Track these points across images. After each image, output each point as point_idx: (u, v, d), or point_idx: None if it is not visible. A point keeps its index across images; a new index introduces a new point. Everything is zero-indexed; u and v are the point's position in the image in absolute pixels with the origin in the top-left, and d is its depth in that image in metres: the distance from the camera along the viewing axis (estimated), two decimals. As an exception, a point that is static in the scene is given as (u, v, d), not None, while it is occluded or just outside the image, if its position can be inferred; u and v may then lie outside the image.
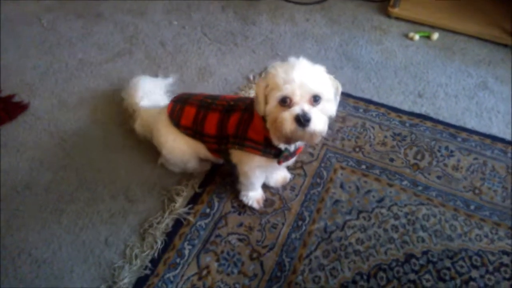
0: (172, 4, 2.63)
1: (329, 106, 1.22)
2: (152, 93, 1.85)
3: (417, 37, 2.40)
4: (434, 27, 2.47)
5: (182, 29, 2.46)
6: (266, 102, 1.21)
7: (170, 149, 1.56)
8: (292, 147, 1.36)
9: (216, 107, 1.44)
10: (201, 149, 1.54)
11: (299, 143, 1.36)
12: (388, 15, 2.54)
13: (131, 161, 1.79)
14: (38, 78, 2.15)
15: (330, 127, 1.88)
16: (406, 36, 2.43)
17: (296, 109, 1.15)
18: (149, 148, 1.76)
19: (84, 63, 2.23)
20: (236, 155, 1.46)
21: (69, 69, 2.20)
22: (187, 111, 1.48)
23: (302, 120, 1.14)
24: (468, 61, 2.29)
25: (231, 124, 1.40)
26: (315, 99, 1.18)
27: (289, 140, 1.25)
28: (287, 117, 1.16)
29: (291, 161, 1.51)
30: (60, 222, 1.61)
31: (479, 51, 2.35)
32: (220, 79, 2.15)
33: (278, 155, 1.36)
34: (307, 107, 1.15)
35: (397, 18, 2.53)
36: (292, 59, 1.21)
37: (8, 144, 1.85)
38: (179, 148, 1.54)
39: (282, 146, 1.33)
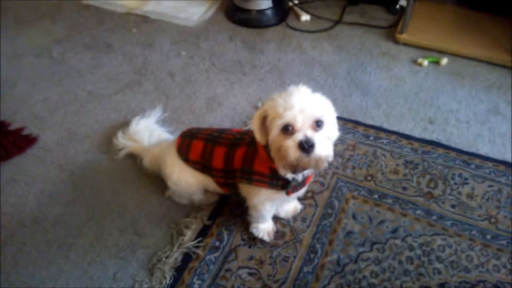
0: (180, 35, 2.66)
1: (333, 130, 1.20)
2: (152, 130, 1.90)
3: (426, 62, 2.39)
4: (443, 52, 2.45)
5: (190, 59, 2.47)
6: (268, 132, 1.20)
7: (176, 180, 1.55)
8: (299, 177, 1.33)
9: (222, 141, 1.44)
10: (209, 182, 1.52)
11: (307, 172, 1.33)
12: (396, 41, 2.54)
13: (140, 193, 1.78)
14: (48, 111, 2.17)
15: (340, 155, 1.89)
16: (414, 62, 2.42)
17: (299, 136, 1.12)
18: (157, 181, 1.75)
19: (93, 95, 2.25)
20: (245, 189, 1.44)
21: (79, 101, 2.22)
22: (195, 145, 1.47)
23: (306, 147, 1.11)
24: (478, 85, 2.27)
25: (237, 158, 1.39)
26: (318, 124, 1.15)
27: (295, 168, 1.21)
28: (291, 144, 1.13)
29: (301, 192, 1.48)
30: (67, 257, 1.59)
31: (489, 76, 2.32)
32: (229, 109, 2.15)
33: (285, 186, 1.33)
34: (310, 133, 1.13)
35: (405, 44, 2.52)
36: (290, 88, 1.20)
37: (16, 178, 1.85)
38: (185, 180, 1.53)
39: (289, 176, 1.30)
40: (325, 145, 1.15)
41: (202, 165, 1.47)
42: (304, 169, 1.25)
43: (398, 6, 2.76)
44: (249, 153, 1.36)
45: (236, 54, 2.51)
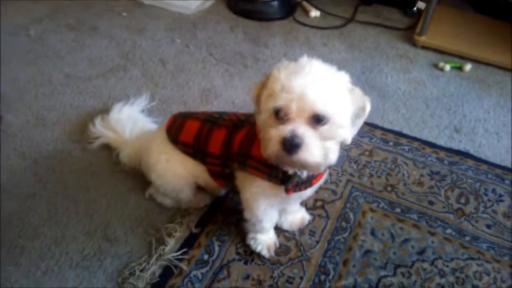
0: (175, 22, 2.39)
1: (340, 132, 0.92)
2: (135, 120, 1.62)
3: (447, 67, 2.15)
4: (464, 58, 2.22)
5: (185, 47, 2.20)
6: (260, 108, 0.95)
7: (162, 172, 1.27)
8: (303, 173, 1.04)
9: (223, 123, 1.18)
10: (200, 173, 1.25)
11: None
12: (414, 44, 2.30)
13: (114, 191, 1.49)
14: (16, 91, 1.87)
15: (355, 160, 1.61)
16: (435, 66, 2.17)
17: (286, 130, 0.88)
18: (136, 178, 1.49)
19: (71, 78, 1.96)
20: (240, 179, 1.16)
21: (53, 83, 1.93)
22: (188, 125, 1.21)
23: (289, 146, 0.87)
24: (507, 95, 2.03)
25: (237, 141, 1.13)
26: (318, 120, 0.88)
27: (277, 162, 0.96)
28: (274, 136, 0.90)
29: (306, 194, 1.19)
30: (18, 264, 1.28)
31: (516, 85, 2.09)
32: (227, 102, 1.88)
33: (285, 181, 1.05)
34: (301, 129, 0.87)
35: (424, 47, 2.28)
36: (303, 60, 0.94)
37: (-32, 165, 1.55)
38: (172, 171, 1.26)
39: (289, 169, 1.02)
40: (317, 148, 0.89)
41: (194, 149, 1.20)
42: (290, 167, 1.00)
43: (415, 9, 2.54)
44: (249, 134, 1.11)
45: (237, 45, 2.25)
